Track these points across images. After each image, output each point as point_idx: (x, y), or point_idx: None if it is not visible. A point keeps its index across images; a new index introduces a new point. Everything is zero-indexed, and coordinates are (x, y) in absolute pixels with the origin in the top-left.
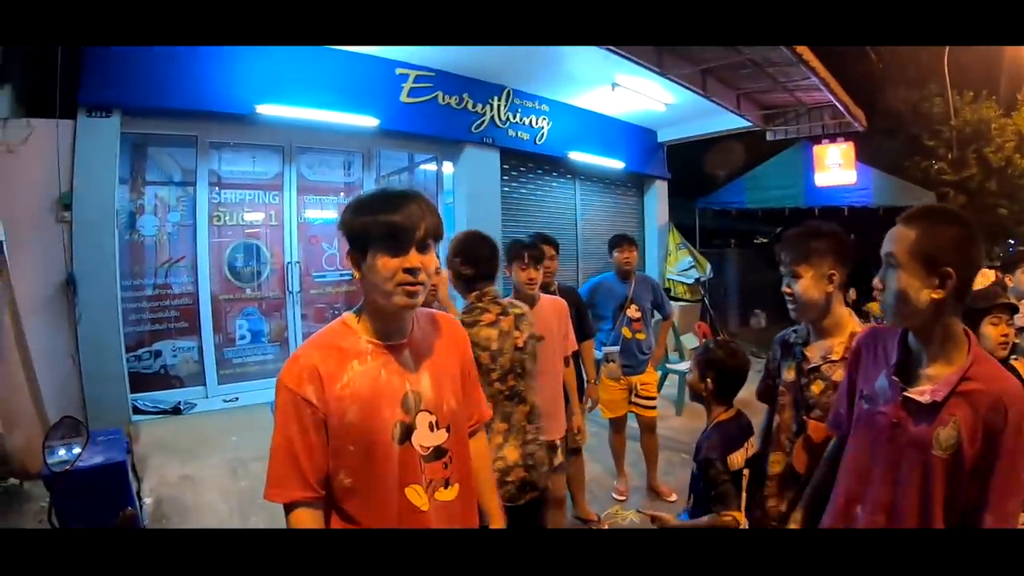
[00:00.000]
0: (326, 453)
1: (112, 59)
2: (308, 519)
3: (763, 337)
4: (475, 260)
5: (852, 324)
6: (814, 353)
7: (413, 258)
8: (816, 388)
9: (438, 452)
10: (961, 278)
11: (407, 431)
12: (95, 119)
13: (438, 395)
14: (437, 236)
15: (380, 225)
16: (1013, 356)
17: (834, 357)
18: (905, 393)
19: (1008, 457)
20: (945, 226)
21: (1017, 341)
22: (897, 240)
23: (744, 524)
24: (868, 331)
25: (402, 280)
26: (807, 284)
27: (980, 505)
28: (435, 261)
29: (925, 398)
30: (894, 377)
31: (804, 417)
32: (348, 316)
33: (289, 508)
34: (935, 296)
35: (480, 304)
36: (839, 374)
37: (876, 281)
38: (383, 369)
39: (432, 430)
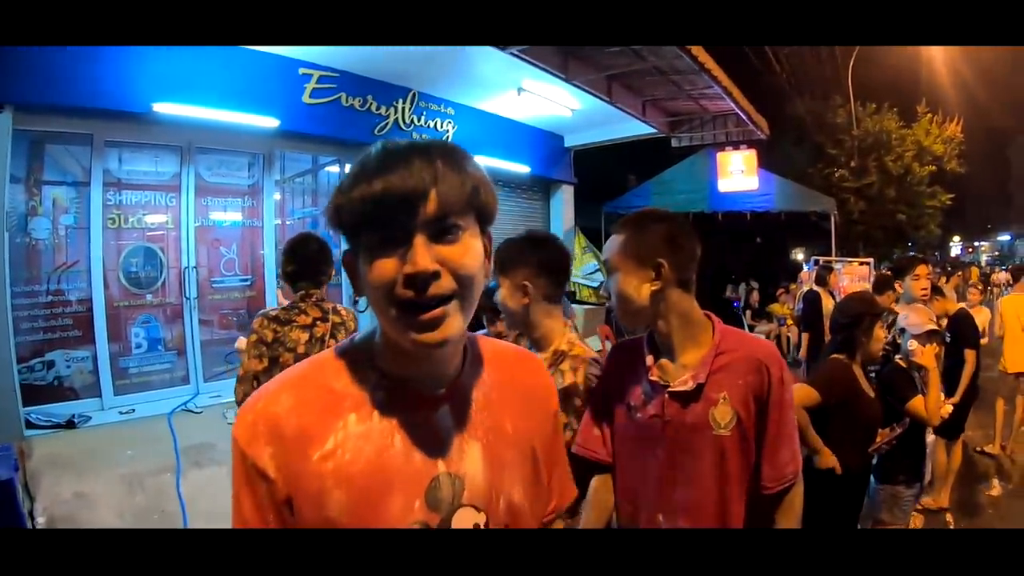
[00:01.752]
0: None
1: (4, 54)
2: None
3: None
4: (298, 257)
5: (559, 341)
6: None
7: (419, 253)
8: None
9: None
10: (676, 267)
11: None
12: None
13: (492, 482)
14: (480, 210)
15: (357, 203)
16: (898, 355)
17: None
18: (668, 389)
19: (776, 409)
20: (651, 224)
21: (899, 341)
22: (610, 248)
23: None
24: (615, 347)
25: (403, 297)
26: (503, 295)
27: (759, 460)
28: (471, 255)
29: (688, 385)
30: (652, 377)
31: None
32: (357, 338)
33: None
34: (654, 288)
35: (301, 304)
36: None
37: (601, 291)
38: (399, 434)
39: None
